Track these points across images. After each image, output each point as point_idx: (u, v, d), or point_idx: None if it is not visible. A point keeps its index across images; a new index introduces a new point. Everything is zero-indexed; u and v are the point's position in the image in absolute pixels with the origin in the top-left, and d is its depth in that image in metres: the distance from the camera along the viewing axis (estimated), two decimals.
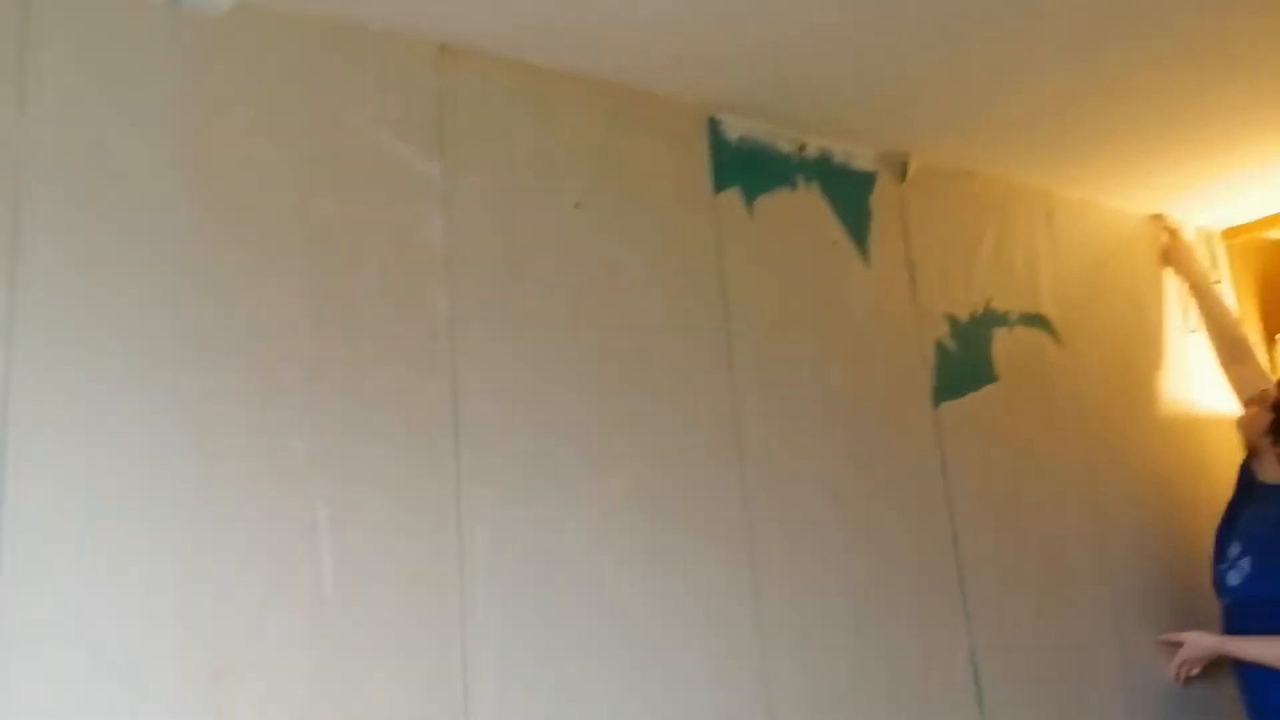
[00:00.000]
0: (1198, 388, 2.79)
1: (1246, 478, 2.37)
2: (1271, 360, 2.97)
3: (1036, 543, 2.27)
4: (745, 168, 1.99)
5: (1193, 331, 2.84)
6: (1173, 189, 2.67)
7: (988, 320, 2.35)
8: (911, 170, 2.28)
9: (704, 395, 1.81)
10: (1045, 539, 2.29)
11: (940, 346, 2.23)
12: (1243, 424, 2.39)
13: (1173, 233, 2.81)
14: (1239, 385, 2.53)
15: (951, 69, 1.88)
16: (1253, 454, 2.37)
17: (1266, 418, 2.29)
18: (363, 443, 1.42)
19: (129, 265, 1.28)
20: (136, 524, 1.23)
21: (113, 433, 1.24)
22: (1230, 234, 3.02)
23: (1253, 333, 2.98)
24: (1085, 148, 2.34)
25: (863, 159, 2.20)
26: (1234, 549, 2.24)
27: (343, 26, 1.52)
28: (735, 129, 1.99)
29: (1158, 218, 2.85)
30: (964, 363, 2.27)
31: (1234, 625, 2.23)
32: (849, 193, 2.16)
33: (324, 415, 1.39)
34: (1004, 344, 2.36)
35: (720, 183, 1.94)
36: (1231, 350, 2.61)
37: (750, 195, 1.99)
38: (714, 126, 1.96)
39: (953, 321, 2.27)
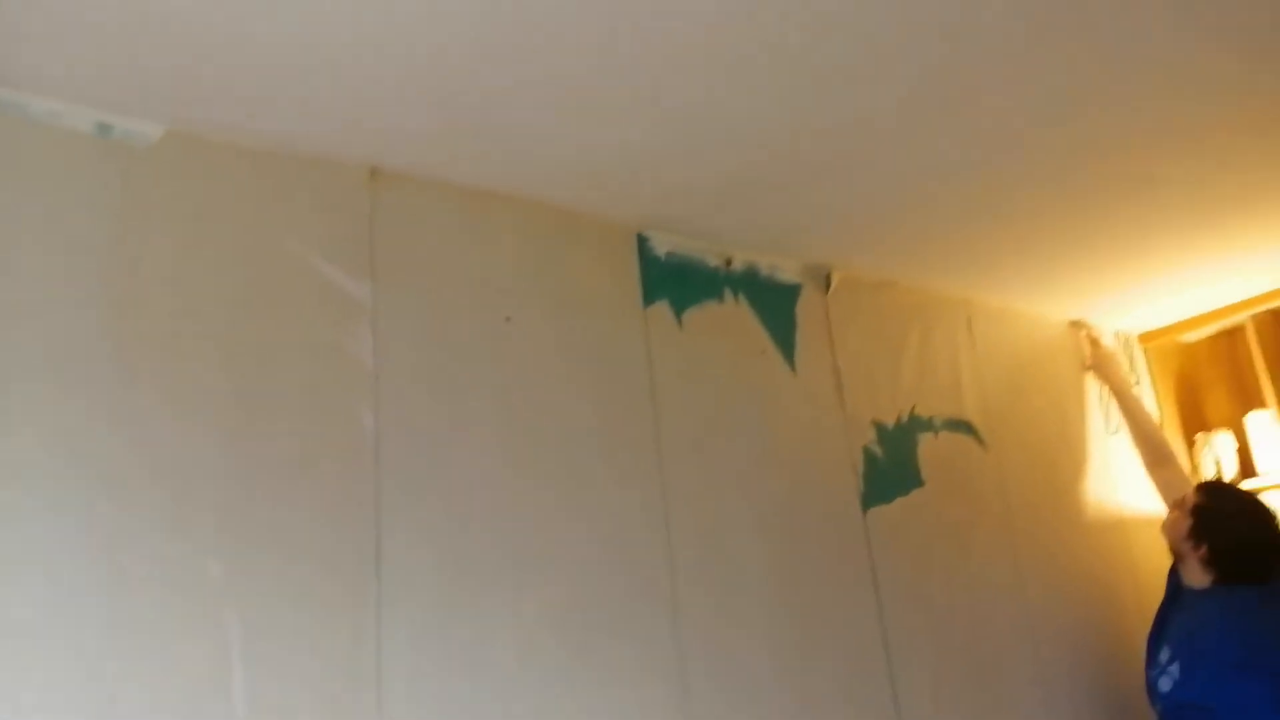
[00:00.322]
0: (1122, 488, 2.87)
1: (1174, 583, 2.41)
2: (1191, 461, 3.08)
3: (968, 644, 2.30)
4: (674, 282, 2.06)
5: (1115, 433, 2.94)
6: (1089, 295, 2.80)
7: (913, 426, 2.41)
8: (835, 282, 2.37)
9: (635, 507, 1.83)
10: (976, 640, 2.32)
11: (868, 452, 2.28)
12: (1166, 529, 2.44)
13: (1094, 340, 2.95)
14: (1164, 489, 2.62)
15: (866, 187, 1.98)
16: (1177, 559, 2.41)
17: (1186, 523, 2.35)
18: (282, 561, 1.42)
19: (41, 396, 1.29)
20: (47, 655, 1.21)
21: (22, 563, 1.22)
22: (1147, 338, 3.16)
23: (1172, 433, 3.10)
24: (1001, 258, 2.46)
25: (787, 271, 2.29)
26: (1164, 654, 2.26)
27: (274, 152, 1.58)
28: (663, 245, 2.06)
29: (1077, 323, 2.98)
30: (891, 468, 2.32)
31: None
32: (775, 304, 2.24)
33: (242, 535, 1.39)
34: (930, 448, 2.42)
35: (650, 296, 2.01)
36: (1154, 454, 2.71)
37: (679, 308, 2.05)
38: (643, 243, 2.03)
39: (879, 428, 2.33)
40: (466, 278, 1.74)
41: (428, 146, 1.64)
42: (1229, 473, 2.98)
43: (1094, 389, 2.95)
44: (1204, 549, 2.28)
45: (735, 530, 1.97)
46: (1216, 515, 2.30)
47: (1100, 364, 2.93)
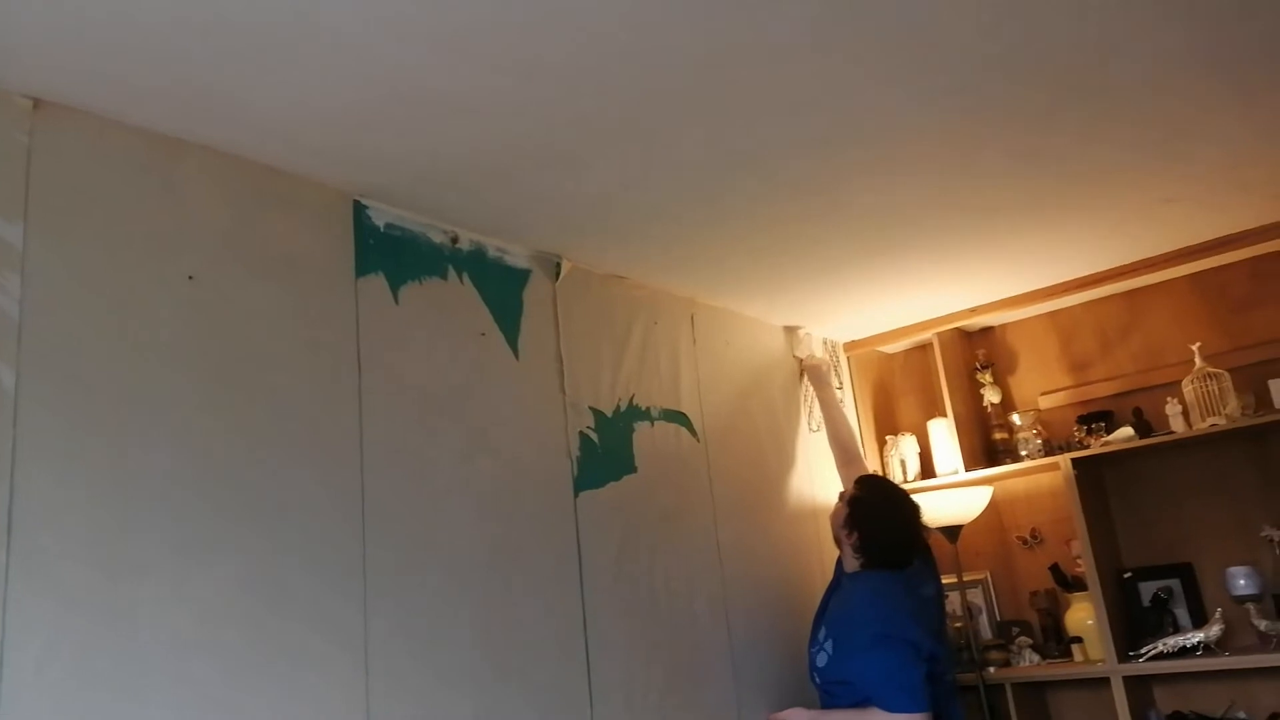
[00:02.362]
0: (818, 482, 3.12)
1: (837, 569, 2.64)
2: (881, 460, 3.40)
3: (667, 621, 2.41)
4: (392, 255, 2.00)
5: (817, 430, 3.19)
6: (803, 304, 3.02)
7: (631, 415, 2.50)
8: (565, 270, 2.41)
9: (328, 483, 1.76)
10: (675, 617, 2.44)
11: (584, 438, 2.34)
12: (830, 518, 2.67)
13: (809, 356, 3.22)
14: (846, 485, 2.87)
15: (599, 182, 2.03)
16: (837, 545, 2.62)
17: (843, 512, 2.58)
18: None
19: None
20: None
21: None
22: (851, 346, 3.45)
23: (868, 434, 3.41)
24: (725, 263, 2.60)
25: (517, 256, 2.30)
26: (822, 633, 2.47)
27: None
28: (383, 216, 2.00)
29: (792, 330, 3.22)
30: (606, 454, 2.39)
31: (826, 703, 2.45)
32: (502, 287, 2.24)
33: None
34: (645, 437, 2.52)
35: (364, 267, 1.94)
36: (845, 455, 2.97)
37: (396, 282, 2.00)
38: (360, 211, 1.96)
39: (598, 415, 2.40)
40: (143, 230, 1.60)
41: (104, 83, 1.49)
42: (911, 472, 3.32)
43: (801, 392, 3.19)
44: (855, 536, 2.50)
45: (441, 509, 1.95)
46: (866, 505, 2.54)
47: (811, 371, 3.19)
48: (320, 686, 1.65)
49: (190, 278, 1.64)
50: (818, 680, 2.43)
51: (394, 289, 1.99)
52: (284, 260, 1.80)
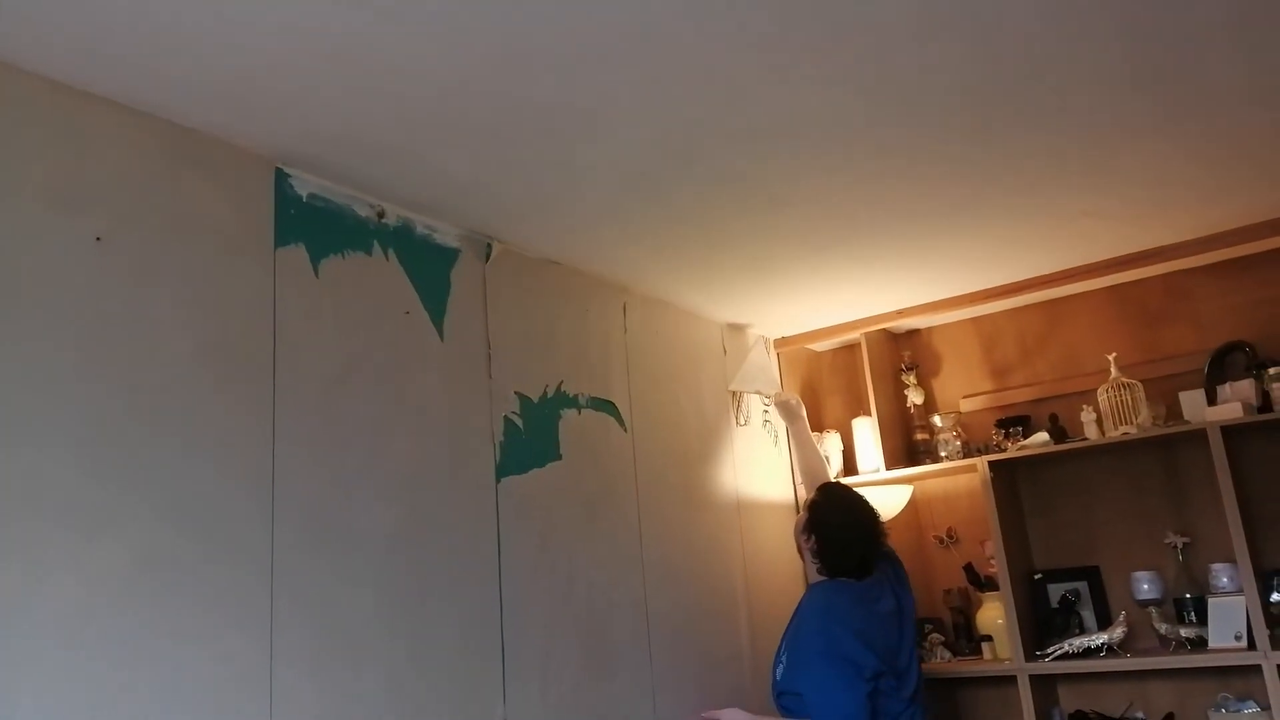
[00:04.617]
0: (742, 478, 3.14)
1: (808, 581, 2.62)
2: None
3: (584, 608, 2.38)
4: (314, 226, 1.94)
5: (744, 425, 3.21)
6: (736, 299, 3.02)
7: (559, 401, 2.47)
8: (495, 252, 2.36)
9: (234, 457, 1.69)
10: (593, 605, 2.42)
11: (509, 423, 2.30)
12: (795, 526, 2.66)
13: (777, 394, 3.25)
14: None
15: (532, 163, 1.99)
16: (800, 556, 2.63)
17: (803, 517, 2.60)
18: None
19: None
20: None
21: None
22: (782, 343, 3.47)
23: None
24: (660, 254, 2.58)
25: (446, 235, 2.25)
26: (782, 646, 2.47)
27: None
28: (305, 185, 1.94)
29: (739, 328, 3.23)
30: (531, 440, 2.35)
31: (783, 715, 2.42)
32: (430, 266, 2.19)
33: None
34: (572, 425, 2.49)
35: (284, 238, 1.87)
36: (813, 484, 2.92)
37: (317, 255, 1.93)
38: (281, 179, 1.89)
39: (524, 400, 2.36)
40: (45, 185, 1.51)
41: (9, 26, 1.40)
42: (835, 469, 3.36)
43: (725, 384, 3.20)
44: (813, 540, 2.52)
45: (356, 488, 1.90)
46: (822, 510, 2.55)
47: (781, 407, 3.21)
48: (222, 666, 1.59)
49: (98, 239, 1.56)
50: (775, 692, 2.41)
51: (314, 261, 1.93)
52: (198, 226, 1.72)
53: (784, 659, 2.42)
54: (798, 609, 2.52)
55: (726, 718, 2.48)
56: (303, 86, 1.63)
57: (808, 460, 3.10)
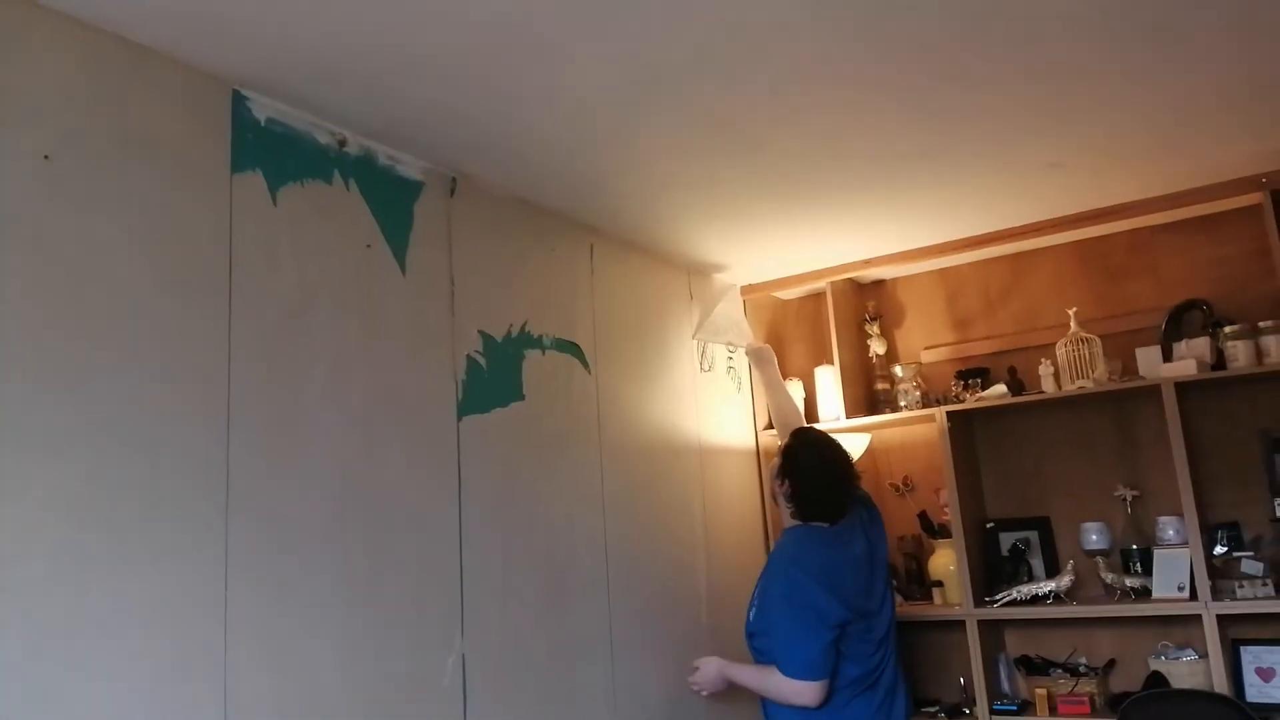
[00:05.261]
0: (703, 422, 3.15)
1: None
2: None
3: (543, 557, 2.39)
4: (272, 152, 1.88)
5: (707, 371, 3.21)
6: (701, 245, 3.00)
7: (522, 341, 2.45)
8: (460, 187, 2.32)
9: (188, 388, 1.65)
10: (552, 555, 2.42)
11: (471, 362, 2.28)
12: (769, 474, 2.70)
13: (749, 342, 3.25)
14: None
15: (501, 97, 1.94)
16: (774, 501, 2.65)
17: (777, 461, 2.62)
18: None
19: None
20: None
21: None
22: (748, 290, 3.47)
23: (758, 377, 3.45)
24: (627, 197, 2.55)
25: (409, 167, 2.20)
26: (756, 590, 2.50)
27: None
28: (264, 109, 1.88)
29: (700, 272, 3.21)
30: (494, 380, 2.33)
31: (754, 656, 2.47)
32: (392, 198, 2.14)
33: None
34: (535, 365, 2.47)
35: (240, 163, 1.82)
36: (787, 430, 2.90)
37: (275, 182, 1.88)
38: (239, 102, 1.83)
39: (487, 339, 2.34)
40: None
41: None
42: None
43: (689, 329, 3.20)
44: (785, 484, 2.53)
45: (312, 422, 1.87)
46: (796, 454, 2.55)
47: (753, 354, 3.23)
48: (176, 583, 1.58)
49: (46, 157, 1.50)
50: (748, 633, 2.45)
51: (272, 189, 1.87)
52: (152, 147, 1.66)
53: (756, 603, 2.45)
54: (771, 554, 2.54)
55: (702, 665, 2.58)
56: (261, 4, 1.57)
57: (781, 406, 3.11)
